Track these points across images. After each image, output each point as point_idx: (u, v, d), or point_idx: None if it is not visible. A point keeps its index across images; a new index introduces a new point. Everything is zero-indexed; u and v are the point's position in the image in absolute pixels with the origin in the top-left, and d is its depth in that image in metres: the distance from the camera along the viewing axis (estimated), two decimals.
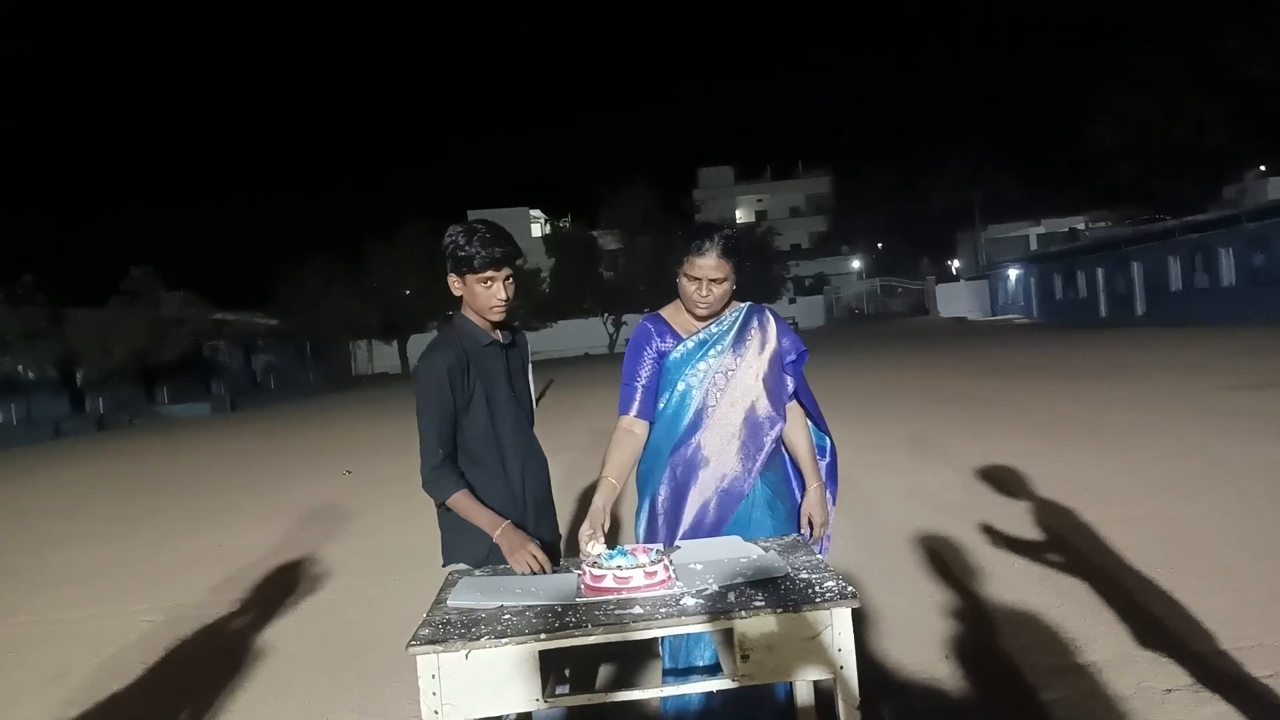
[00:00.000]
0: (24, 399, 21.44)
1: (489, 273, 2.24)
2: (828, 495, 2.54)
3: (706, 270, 2.33)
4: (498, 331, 2.37)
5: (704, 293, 2.36)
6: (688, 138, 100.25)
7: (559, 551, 2.51)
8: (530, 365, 2.62)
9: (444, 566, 2.35)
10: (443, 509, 2.29)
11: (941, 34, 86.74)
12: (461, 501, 2.21)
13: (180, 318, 24.15)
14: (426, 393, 2.23)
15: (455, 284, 2.29)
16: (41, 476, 13.08)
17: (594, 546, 2.09)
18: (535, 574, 2.11)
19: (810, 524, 2.47)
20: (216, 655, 4.11)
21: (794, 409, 2.52)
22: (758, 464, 2.41)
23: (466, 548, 2.29)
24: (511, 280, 2.29)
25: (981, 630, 3.49)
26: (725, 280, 2.37)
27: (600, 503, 2.28)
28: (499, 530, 2.18)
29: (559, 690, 2.33)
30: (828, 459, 2.59)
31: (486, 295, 2.26)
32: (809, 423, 2.56)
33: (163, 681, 3.79)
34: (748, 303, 2.54)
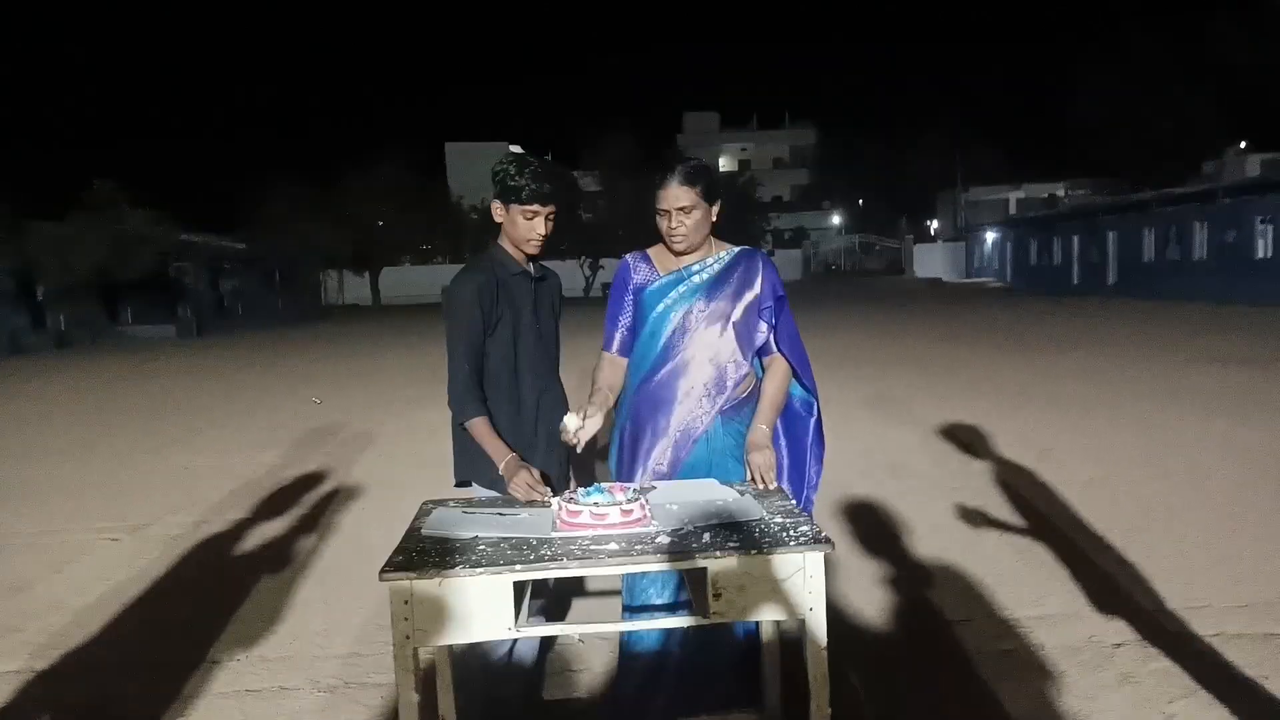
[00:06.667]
0: None
1: (534, 206, 2.33)
2: (780, 444, 2.47)
3: (671, 200, 2.34)
4: (529, 264, 2.45)
5: (673, 224, 2.36)
6: (675, 83, 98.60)
7: (567, 488, 2.51)
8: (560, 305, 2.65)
9: (455, 485, 2.43)
10: (459, 427, 2.36)
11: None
12: (479, 427, 2.29)
13: (145, 235, 23.45)
14: (457, 310, 2.32)
15: (499, 211, 2.39)
16: None
17: (570, 420, 2.22)
18: (532, 502, 2.15)
19: (758, 470, 2.32)
20: (179, 575, 4.09)
21: (779, 362, 2.46)
22: (718, 405, 2.40)
23: (479, 466, 2.36)
24: (553, 218, 2.38)
25: (938, 582, 3.58)
26: (694, 209, 2.35)
27: (597, 401, 2.37)
28: (505, 460, 2.25)
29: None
30: (815, 415, 2.52)
31: (526, 227, 2.36)
32: (792, 379, 2.48)
33: (124, 598, 3.77)
34: (742, 247, 2.50)
